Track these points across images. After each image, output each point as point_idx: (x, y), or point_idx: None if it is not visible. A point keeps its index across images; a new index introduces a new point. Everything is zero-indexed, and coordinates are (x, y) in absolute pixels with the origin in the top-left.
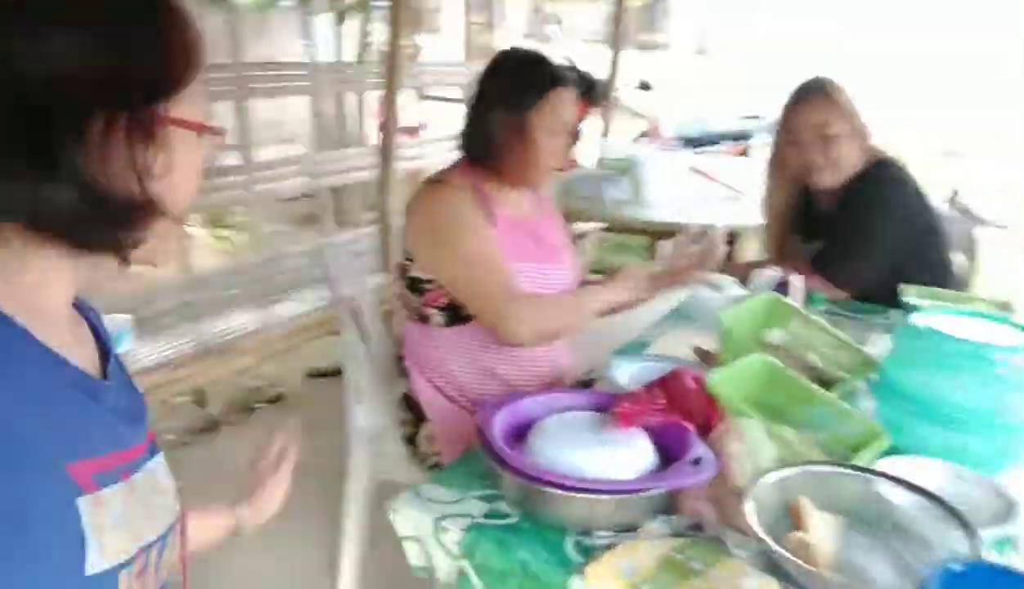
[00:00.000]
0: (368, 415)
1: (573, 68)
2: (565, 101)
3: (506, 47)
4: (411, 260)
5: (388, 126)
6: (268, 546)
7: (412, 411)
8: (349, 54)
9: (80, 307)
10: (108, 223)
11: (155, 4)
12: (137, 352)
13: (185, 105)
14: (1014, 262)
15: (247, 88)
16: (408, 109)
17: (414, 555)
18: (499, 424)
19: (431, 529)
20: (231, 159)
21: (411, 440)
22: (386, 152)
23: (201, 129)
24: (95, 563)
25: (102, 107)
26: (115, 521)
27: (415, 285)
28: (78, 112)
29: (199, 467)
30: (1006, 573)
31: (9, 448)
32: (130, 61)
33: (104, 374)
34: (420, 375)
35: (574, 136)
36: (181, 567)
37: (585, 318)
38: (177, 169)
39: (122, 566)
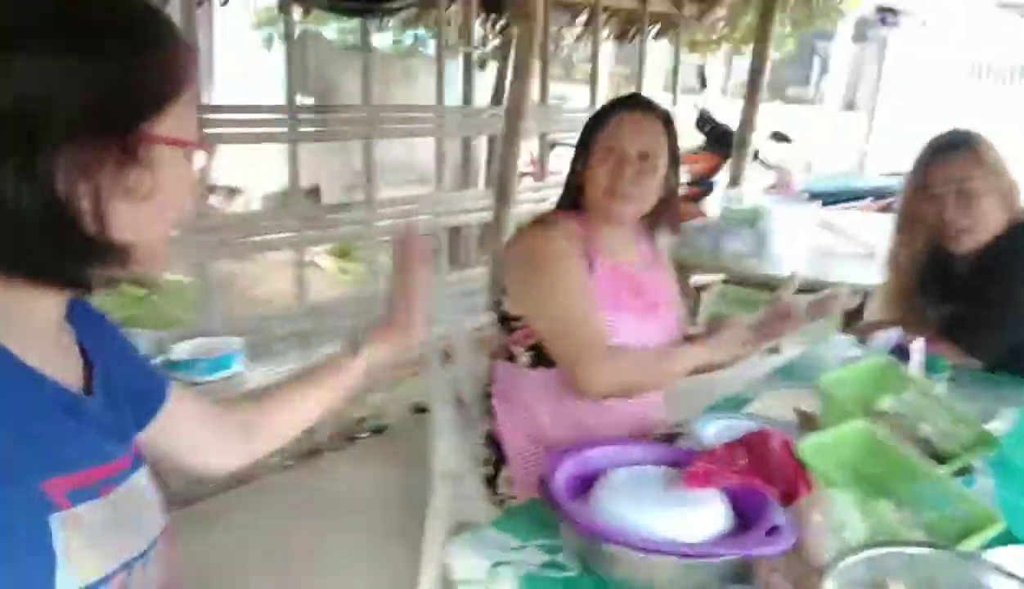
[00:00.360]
0: (451, 454)
1: (705, 117)
2: (625, 122)
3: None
4: (504, 295)
5: (505, 168)
6: (353, 573)
7: (494, 451)
8: (483, 100)
9: (74, 317)
10: (66, 258)
11: (134, 21)
12: (247, 375)
13: (171, 122)
14: None
15: (376, 128)
16: (538, 155)
17: None
18: (565, 473)
19: (485, 574)
20: (358, 195)
21: (491, 481)
22: (502, 194)
23: (187, 145)
24: (65, 583)
25: (82, 132)
26: (90, 539)
27: (505, 321)
28: (55, 137)
29: (300, 491)
30: None
31: None
32: (109, 83)
33: (89, 388)
34: (504, 414)
35: (646, 163)
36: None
37: (670, 377)
38: (164, 188)
39: (96, 586)
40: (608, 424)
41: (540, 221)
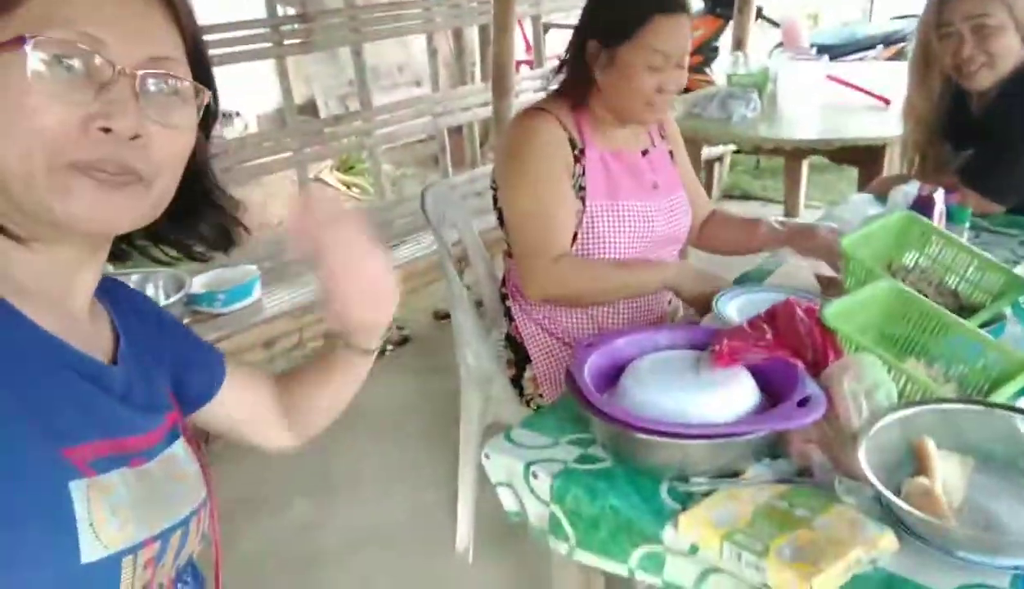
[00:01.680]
0: (476, 358)
1: None
2: (668, 30)
3: None
4: (496, 191)
5: (498, 60)
6: (393, 482)
7: (516, 352)
8: None
9: (112, 295)
10: None
11: None
12: (265, 301)
13: (16, 24)
14: None
15: (360, 32)
16: (532, 41)
17: (508, 500)
18: (592, 366)
19: (521, 474)
20: (355, 105)
21: (516, 382)
22: (499, 87)
23: (15, 45)
24: (90, 551)
25: None
26: (116, 508)
27: (501, 217)
28: None
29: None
30: None
31: None
32: None
33: (115, 360)
34: (522, 313)
35: (683, 65)
36: (214, 548)
37: (624, 290)
38: None
39: (124, 553)
40: (614, 314)
41: (529, 111)
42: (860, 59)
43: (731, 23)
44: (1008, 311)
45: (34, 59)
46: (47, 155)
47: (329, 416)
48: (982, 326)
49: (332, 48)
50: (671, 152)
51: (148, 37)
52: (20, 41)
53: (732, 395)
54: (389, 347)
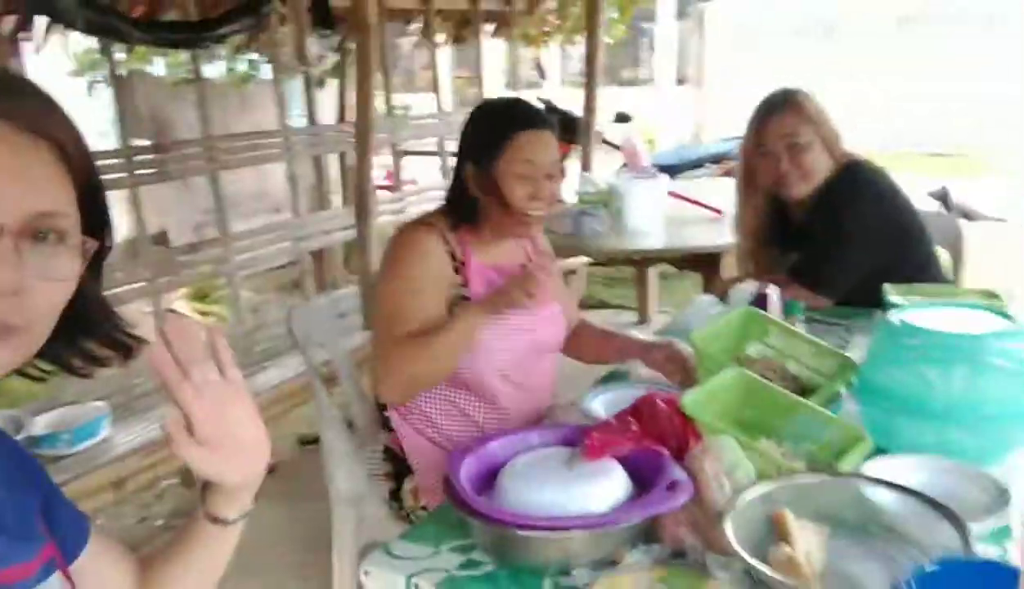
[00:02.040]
0: (349, 479)
1: (549, 107)
2: (533, 143)
3: (487, 98)
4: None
5: (359, 185)
6: None
7: (395, 464)
8: (330, 119)
9: None
10: None
11: None
12: (115, 438)
13: None
14: (1010, 254)
15: (219, 160)
16: (389, 166)
17: None
18: (467, 470)
19: (404, 588)
20: (209, 233)
21: (395, 495)
22: (361, 210)
23: None
24: None
25: None
26: None
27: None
28: None
29: None
30: (982, 566)
31: None
32: None
33: None
34: (402, 422)
35: (553, 176)
36: None
37: (451, 347)
38: None
39: None
40: (494, 415)
41: (413, 223)
42: (695, 176)
43: (576, 148)
44: (843, 390)
45: None
46: None
47: None
48: (823, 405)
49: (187, 177)
50: None
51: (35, 192)
52: None
53: (605, 486)
54: None
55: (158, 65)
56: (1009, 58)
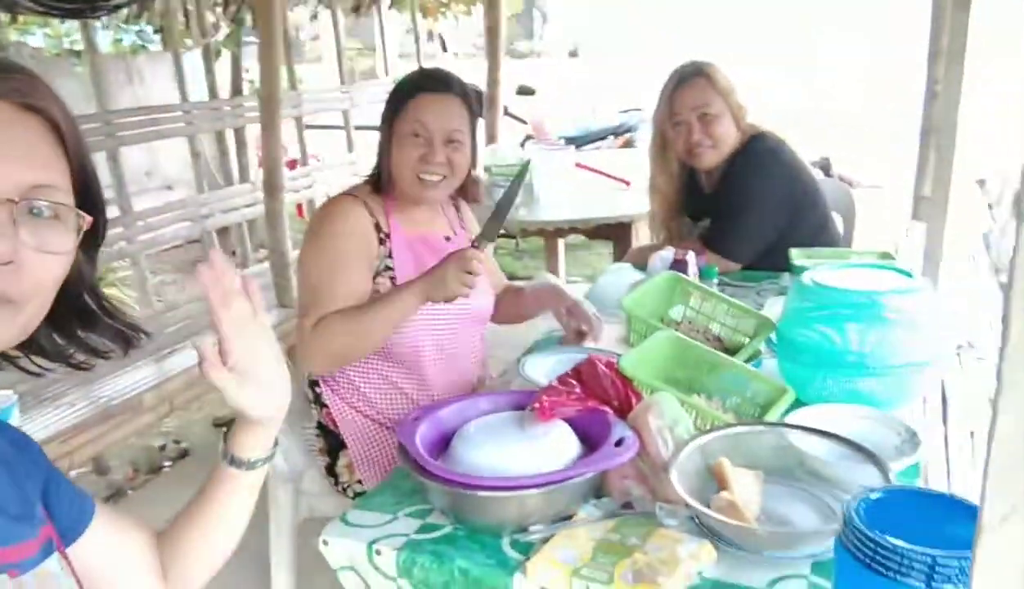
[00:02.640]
0: (285, 456)
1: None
2: (429, 104)
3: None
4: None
5: (268, 160)
6: None
7: (328, 439)
8: (224, 92)
9: None
10: None
11: None
12: (24, 428)
13: None
14: (889, 218)
15: (117, 137)
16: (291, 141)
17: (351, 584)
18: (421, 437)
19: (365, 555)
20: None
21: (330, 470)
22: (270, 186)
23: None
24: None
25: None
26: None
27: None
28: None
29: None
30: (917, 494)
31: None
32: None
33: None
34: (334, 396)
35: (454, 142)
36: None
37: (379, 330)
38: None
39: None
40: (422, 388)
41: (337, 196)
42: (596, 148)
43: (481, 120)
44: (763, 347)
45: None
46: None
47: (213, 563)
48: (746, 362)
49: None
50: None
51: (31, 164)
52: None
53: (557, 445)
54: (167, 463)
55: (36, 37)
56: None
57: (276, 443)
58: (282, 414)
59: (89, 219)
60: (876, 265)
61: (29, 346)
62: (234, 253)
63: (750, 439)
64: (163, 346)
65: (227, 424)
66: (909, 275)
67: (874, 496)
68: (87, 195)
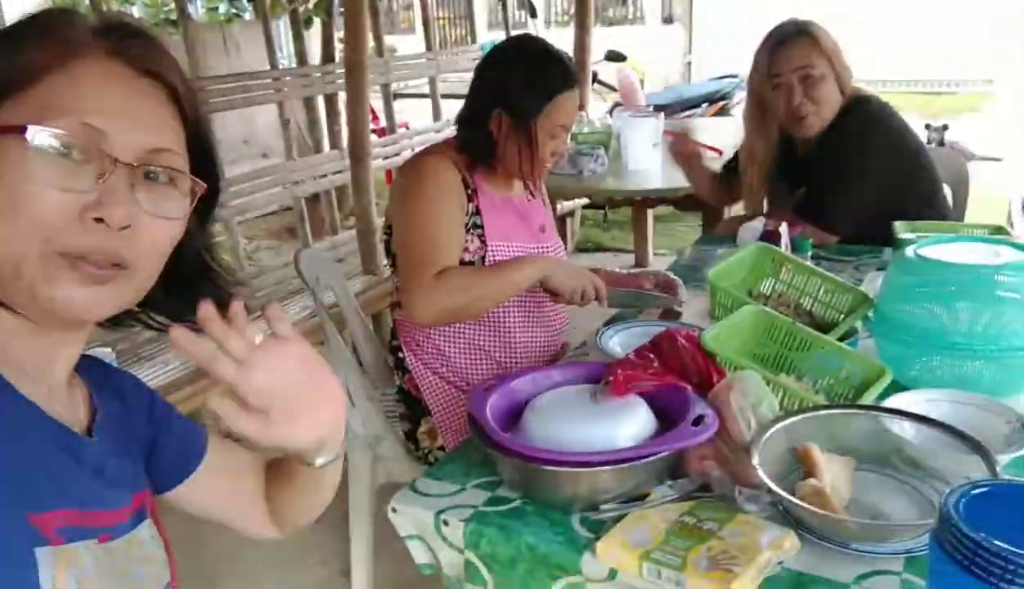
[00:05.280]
0: (363, 421)
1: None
2: (571, 106)
3: (509, 37)
4: (388, 236)
5: (354, 127)
6: (282, 560)
7: (411, 406)
8: (315, 60)
9: (85, 368)
10: None
11: None
12: None
13: (21, 110)
14: (1006, 192)
15: (209, 104)
16: (380, 108)
17: (419, 553)
18: (491, 408)
19: (432, 524)
20: None
21: (410, 436)
22: (356, 154)
23: (18, 132)
24: None
25: None
26: (81, 579)
27: (394, 259)
28: None
29: None
30: None
31: None
32: None
33: (90, 433)
34: (418, 362)
35: (569, 129)
36: None
37: (502, 291)
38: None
39: None
40: (510, 352)
41: (424, 153)
42: (689, 116)
43: None
44: (859, 325)
45: (34, 148)
46: (40, 242)
47: (309, 517)
48: (840, 340)
49: None
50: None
51: (147, 129)
52: (23, 129)
53: (631, 421)
54: None
55: (135, 7)
56: None
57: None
58: (338, 424)
59: (204, 185)
60: (988, 239)
61: (147, 305)
62: (323, 220)
63: (841, 422)
64: (253, 310)
65: None
66: (1022, 249)
67: (977, 491)
68: (202, 161)
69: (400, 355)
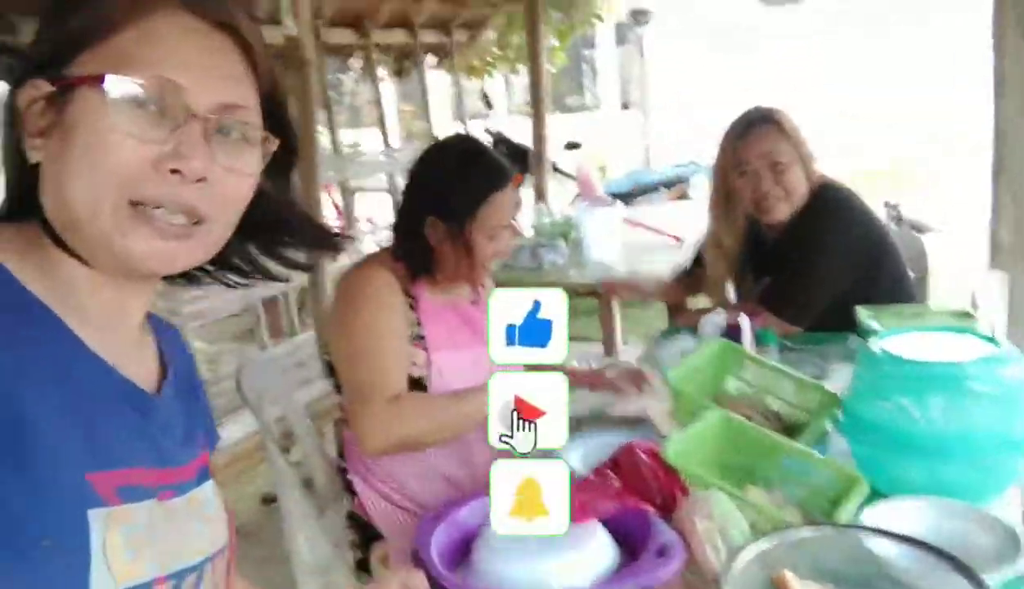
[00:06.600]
0: (310, 545)
1: (499, 139)
2: (506, 203)
3: (437, 137)
4: (329, 354)
5: None
6: None
7: (361, 531)
8: None
9: (156, 325)
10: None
11: None
12: None
13: (99, 61)
14: (964, 266)
15: None
16: (342, 206)
17: None
18: (440, 540)
19: None
20: None
21: (362, 565)
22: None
23: (96, 82)
24: (100, 580)
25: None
26: (133, 540)
27: (338, 382)
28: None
29: None
30: None
31: (28, 446)
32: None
33: (158, 390)
34: (365, 486)
35: (513, 225)
36: None
37: (467, 420)
38: (76, 139)
39: (134, 588)
40: (469, 473)
41: (362, 263)
42: (648, 203)
43: (528, 177)
44: (829, 427)
45: (113, 98)
46: (116, 191)
47: None
48: (811, 444)
49: None
50: None
51: (223, 83)
52: (101, 79)
53: (590, 554)
54: None
55: None
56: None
57: None
58: None
59: (276, 141)
60: (954, 328)
61: (220, 263)
62: (282, 322)
63: (819, 544)
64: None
65: (275, 499)
66: (992, 341)
67: None
68: (275, 118)
69: (348, 477)
